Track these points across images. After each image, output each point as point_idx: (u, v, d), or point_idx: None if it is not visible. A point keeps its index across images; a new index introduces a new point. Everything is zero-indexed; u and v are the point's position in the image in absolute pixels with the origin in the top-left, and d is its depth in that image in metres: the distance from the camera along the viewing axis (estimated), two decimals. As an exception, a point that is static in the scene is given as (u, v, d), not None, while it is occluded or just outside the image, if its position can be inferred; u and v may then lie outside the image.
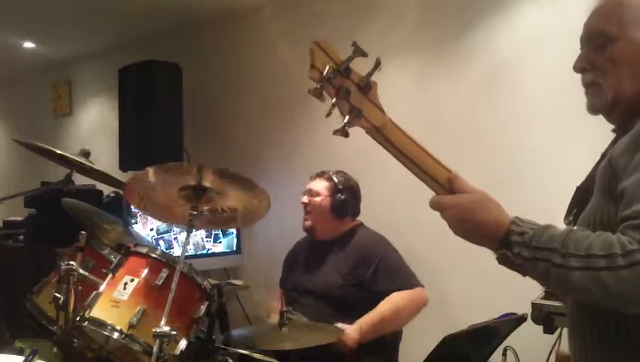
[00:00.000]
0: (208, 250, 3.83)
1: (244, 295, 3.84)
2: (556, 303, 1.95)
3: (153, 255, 2.05)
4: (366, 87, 1.11)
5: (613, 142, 1.18)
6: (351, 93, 1.09)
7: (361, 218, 2.67)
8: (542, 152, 2.78)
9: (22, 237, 4.21)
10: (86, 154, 2.41)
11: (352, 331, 2.28)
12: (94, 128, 5.39)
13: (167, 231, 3.72)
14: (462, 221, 1.09)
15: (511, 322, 2.04)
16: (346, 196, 2.57)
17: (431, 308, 2.43)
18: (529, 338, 2.10)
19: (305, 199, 2.61)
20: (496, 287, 2.46)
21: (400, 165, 1.14)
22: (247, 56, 4.11)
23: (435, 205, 1.11)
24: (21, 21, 4.33)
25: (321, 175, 2.64)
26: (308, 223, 2.61)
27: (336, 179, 2.59)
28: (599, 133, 1.27)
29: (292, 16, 3.85)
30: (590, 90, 1.21)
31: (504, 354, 2.13)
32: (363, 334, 2.29)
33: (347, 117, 1.09)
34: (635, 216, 0.98)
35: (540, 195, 2.69)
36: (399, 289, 2.38)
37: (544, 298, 2.03)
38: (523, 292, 1.86)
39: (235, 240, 3.89)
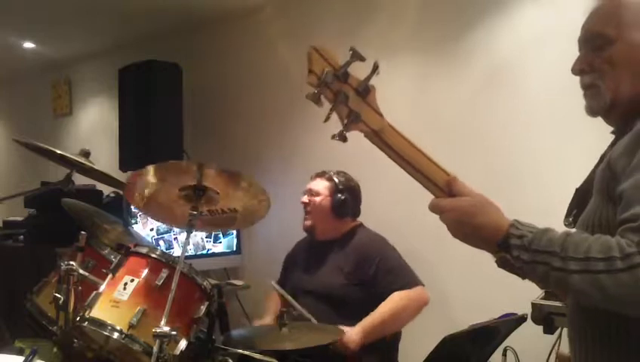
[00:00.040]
0: (208, 250, 3.83)
1: (244, 295, 3.84)
2: (556, 303, 1.95)
3: (153, 255, 2.05)
4: (364, 91, 1.11)
5: (612, 144, 1.18)
6: (349, 97, 1.10)
7: (361, 218, 2.68)
8: (542, 152, 2.78)
9: (22, 237, 4.21)
10: (86, 154, 2.41)
11: (354, 334, 2.27)
12: (94, 128, 5.38)
13: (167, 231, 3.72)
14: (461, 224, 1.09)
15: (511, 322, 2.04)
16: (347, 196, 2.57)
17: (431, 308, 2.43)
18: (529, 338, 2.10)
19: (305, 199, 2.61)
20: (496, 287, 2.46)
21: (400, 166, 1.14)
22: (247, 56, 4.11)
23: (434, 208, 1.11)
24: (21, 21, 4.33)
25: (321, 175, 2.64)
26: (308, 223, 2.61)
27: (336, 179, 2.59)
28: (599, 134, 1.27)
29: (292, 16, 3.85)
30: (589, 92, 1.21)
31: (504, 354, 2.13)
32: (365, 337, 2.29)
33: (345, 121, 1.09)
34: (633, 219, 0.98)
35: (539, 195, 2.69)
36: (400, 289, 2.37)
37: (544, 298, 2.03)
38: (523, 292, 1.85)
39: (235, 241, 3.89)
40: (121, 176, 3.44)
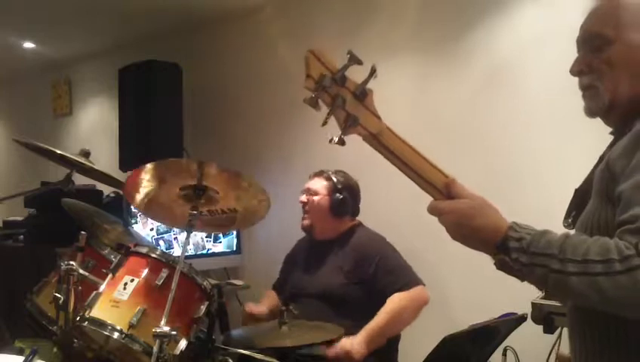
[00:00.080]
0: (208, 250, 3.83)
1: (244, 295, 3.83)
2: (556, 303, 1.95)
3: (153, 255, 2.05)
4: (362, 94, 1.11)
5: (611, 145, 1.18)
6: (347, 101, 1.10)
7: (361, 217, 2.67)
8: (542, 152, 2.78)
9: (22, 237, 4.21)
10: (86, 154, 2.41)
11: (357, 344, 2.25)
12: (94, 128, 5.39)
13: (167, 231, 3.72)
14: (460, 226, 1.09)
15: (511, 322, 2.04)
16: (345, 195, 2.56)
17: (431, 308, 2.43)
18: (529, 338, 2.10)
19: (303, 198, 2.61)
20: (496, 287, 2.45)
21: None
22: (246, 56, 4.11)
23: (432, 210, 1.11)
24: (21, 21, 4.33)
25: (319, 174, 2.63)
26: (306, 222, 2.61)
27: (335, 179, 2.59)
28: (599, 134, 1.27)
29: (292, 16, 3.85)
30: (587, 93, 1.20)
31: (504, 354, 2.13)
32: (368, 345, 2.27)
33: (344, 125, 1.10)
34: (632, 221, 0.98)
35: (539, 196, 2.69)
36: (400, 288, 2.37)
37: (544, 298, 2.03)
38: (523, 292, 1.85)
39: (235, 240, 3.90)
40: (121, 176, 3.43)
